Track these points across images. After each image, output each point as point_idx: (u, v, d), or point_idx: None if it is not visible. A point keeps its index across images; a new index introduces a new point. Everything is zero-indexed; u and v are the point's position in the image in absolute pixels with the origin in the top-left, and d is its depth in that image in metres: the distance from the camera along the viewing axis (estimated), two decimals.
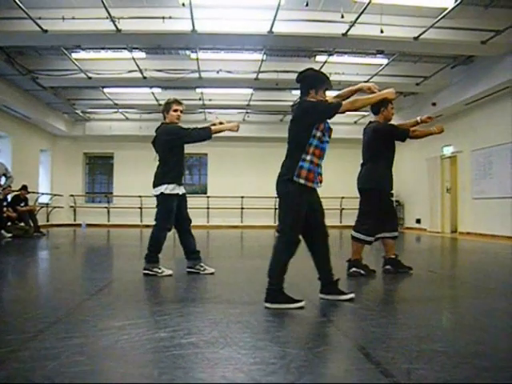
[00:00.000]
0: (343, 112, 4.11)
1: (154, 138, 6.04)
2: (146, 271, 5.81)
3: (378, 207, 5.96)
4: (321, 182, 4.14)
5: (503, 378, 2.43)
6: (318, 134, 4.06)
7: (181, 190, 5.90)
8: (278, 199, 4.17)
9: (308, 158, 4.02)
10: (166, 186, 5.78)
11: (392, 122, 6.14)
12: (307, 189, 4.04)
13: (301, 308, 3.89)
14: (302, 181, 3.99)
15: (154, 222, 5.94)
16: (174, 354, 2.69)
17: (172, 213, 5.83)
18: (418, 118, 6.10)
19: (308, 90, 4.20)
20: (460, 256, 10.17)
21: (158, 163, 5.97)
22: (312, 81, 4.24)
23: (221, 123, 6.02)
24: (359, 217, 6.10)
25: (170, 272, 5.86)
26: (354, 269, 5.90)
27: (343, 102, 4.12)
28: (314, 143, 4.05)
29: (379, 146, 5.96)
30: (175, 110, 5.94)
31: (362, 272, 5.89)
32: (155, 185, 5.84)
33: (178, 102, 6.03)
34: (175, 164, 5.89)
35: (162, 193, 5.78)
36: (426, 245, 12.50)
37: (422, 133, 6.05)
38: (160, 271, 5.81)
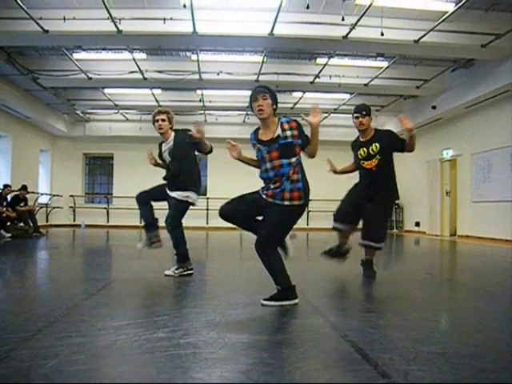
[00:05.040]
0: None
1: None
2: None
3: None
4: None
5: (500, 379, 2.44)
6: None
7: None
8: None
9: None
10: None
11: (386, 127, 6.17)
12: None
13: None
14: None
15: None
16: (173, 353, 2.70)
17: None
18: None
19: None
20: (458, 259, 10.16)
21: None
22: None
23: None
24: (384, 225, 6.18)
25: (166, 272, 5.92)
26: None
27: None
28: None
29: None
30: (156, 121, 5.97)
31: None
32: None
33: (158, 112, 6.02)
34: None
35: None
36: (425, 248, 12.50)
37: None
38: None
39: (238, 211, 4.31)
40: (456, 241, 14.57)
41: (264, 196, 4.17)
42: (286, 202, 4.09)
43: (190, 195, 5.95)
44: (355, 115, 5.93)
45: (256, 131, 4.33)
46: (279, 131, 4.13)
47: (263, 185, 4.28)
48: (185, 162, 5.97)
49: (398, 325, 3.60)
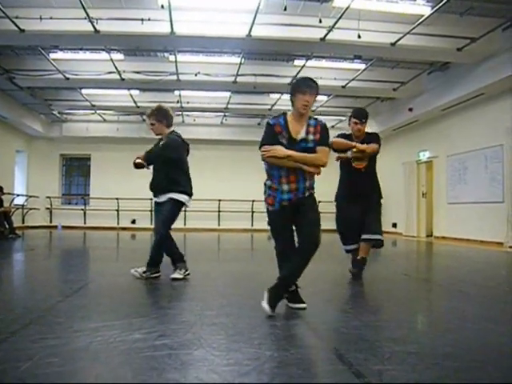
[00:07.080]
0: None
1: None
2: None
3: None
4: None
5: (473, 378, 2.47)
6: None
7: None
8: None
9: None
10: None
11: (368, 129, 6.17)
12: None
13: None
14: None
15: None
16: (148, 355, 2.69)
17: None
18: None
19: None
20: (434, 260, 10.28)
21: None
22: None
23: None
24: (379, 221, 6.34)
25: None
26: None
27: None
28: None
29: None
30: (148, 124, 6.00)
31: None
32: None
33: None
34: None
35: None
36: (402, 249, 12.61)
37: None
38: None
39: (290, 236, 4.12)
40: (432, 242, 14.74)
41: (294, 199, 3.95)
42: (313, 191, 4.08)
43: None
44: (354, 120, 5.87)
45: (284, 118, 4.02)
46: (303, 134, 3.95)
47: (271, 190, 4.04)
48: None
49: (373, 325, 3.63)
